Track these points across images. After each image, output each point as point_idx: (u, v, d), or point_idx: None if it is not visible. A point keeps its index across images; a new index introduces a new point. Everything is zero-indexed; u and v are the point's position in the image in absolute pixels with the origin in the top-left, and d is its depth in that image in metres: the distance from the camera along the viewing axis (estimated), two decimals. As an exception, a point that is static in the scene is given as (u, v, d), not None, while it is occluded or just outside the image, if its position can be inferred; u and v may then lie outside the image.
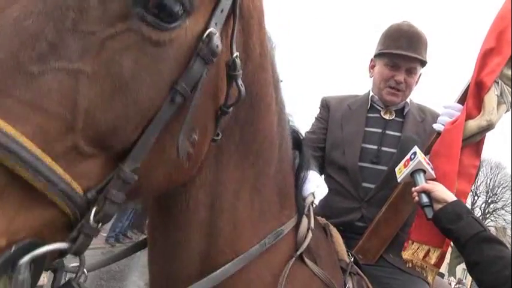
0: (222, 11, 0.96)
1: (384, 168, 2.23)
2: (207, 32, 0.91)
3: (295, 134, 1.62)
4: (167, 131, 0.89)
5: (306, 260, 1.43)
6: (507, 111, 1.91)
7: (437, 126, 2.03)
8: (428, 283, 2.01)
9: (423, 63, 2.32)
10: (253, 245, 1.29)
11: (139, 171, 0.86)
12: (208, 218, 1.21)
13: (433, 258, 1.85)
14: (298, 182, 1.58)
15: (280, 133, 1.41)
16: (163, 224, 1.22)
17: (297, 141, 1.63)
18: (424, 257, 1.88)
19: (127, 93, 0.80)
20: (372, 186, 2.23)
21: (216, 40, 0.91)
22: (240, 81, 1.05)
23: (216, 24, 0.94)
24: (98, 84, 0.77)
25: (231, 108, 1.08)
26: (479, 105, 1.89)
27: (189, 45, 0.89)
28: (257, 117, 1.26)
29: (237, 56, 1.02)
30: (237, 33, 1.06)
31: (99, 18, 0.77)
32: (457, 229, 1.59)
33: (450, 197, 1.68)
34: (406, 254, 1.93)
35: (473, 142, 1.92)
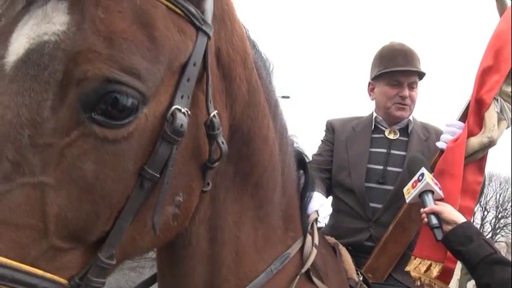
0: (188, 80, 0.93)
1: (390, 187, 2.27)
2: (171, 110, 0.89)
3: (299, 155, 1.64)
4: (143, 210, 0.91)
5: (314, 278, 1.45)
6: (508, 127, 1.95)
7: (440, 144, 2.06)
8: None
9: (421, 76, 2.40)
10: (261, 270, 1.32)
11: (121, 249, 0.90)
12: (210, 250, 1.23)
13: (434, 272, 1.86)
14: (303, 203, 1.61)
15: (282, 159, 1.42)
16: (168, 258, 1.25)
17: (302, 162, 1.65)
18: (426, 271, 1.89)
19: (93, 192, 0.82)
20: (379, 206, 2.26)
21: (180, 119, 0.89)
22: (220, 139, 1.04)
23: (182, 97, 0.92)
24: (63, 191, 0.79)
25: (216, 163, 1.07)
26: (480, 123, 1.92)
27: (152, 129, 0.88)
28: (253, 152, 1.26)
29: (214, 115, 1.00)
30: (216, 84, 1.06)
31: (53, 130, 0.78)
32: (467, 251, 1.59)
33: (460, 218, 1.68)
34: (408, 269, 1.95)
35: (476, 159, 1.95)
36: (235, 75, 1.14)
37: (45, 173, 0.78)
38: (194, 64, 0.94)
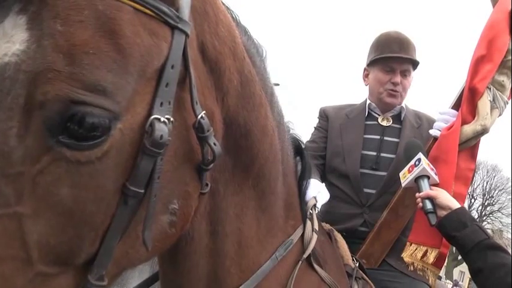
0: (167, 84, 0.86)
1: (384, 173, 2.30)
2: (149, 120, 0.82)
3: (296, 142, 1.65)
4: (133, 225, 0.87)
5: (314, 265, 1.47)
6: (500, 115, 1.98)
7: (433, 132, 2.09)
8: (429, 285, 2.07)
9: (415, 65, 2.42)
10: (264, 260, 1.32)
11: (115, 264, 0.87)
12: (213, 244, 1.22)
13: (431, 258, 1.91)
14: (301, 190, 1.61)
15: (281, 147, 1.41)
16: (171, 256, 1.24)
17: (298, 149, 1.66)
18: (422, 257, 1.93)
19: (74, 216, 0.77)
20: (373, 191, 2.29)
21: (160, 129, 0.82)
22: (212, 141, 0.99)
23: (161, 104, 0.85)
24: (41, 218, 0.75)
25: (211, 165, 1.02)
26: (473, 111, 1.96)
27: (130, 143, 0.82)
28: (252, 143, 1.23)
29: (202, 117, 0.95)
30: (204, 80, 1.02)
31: (22, 158, 0.73)
32: (461, 236, 1.62)
33: (454, 204, 1.71)
34: (405, 256, 1.99)
35: (469, 146, 1.99)
36: (224, 68, 1.08)
37: (19, 202, 0.73)
38: (172, 67, 0.87)
